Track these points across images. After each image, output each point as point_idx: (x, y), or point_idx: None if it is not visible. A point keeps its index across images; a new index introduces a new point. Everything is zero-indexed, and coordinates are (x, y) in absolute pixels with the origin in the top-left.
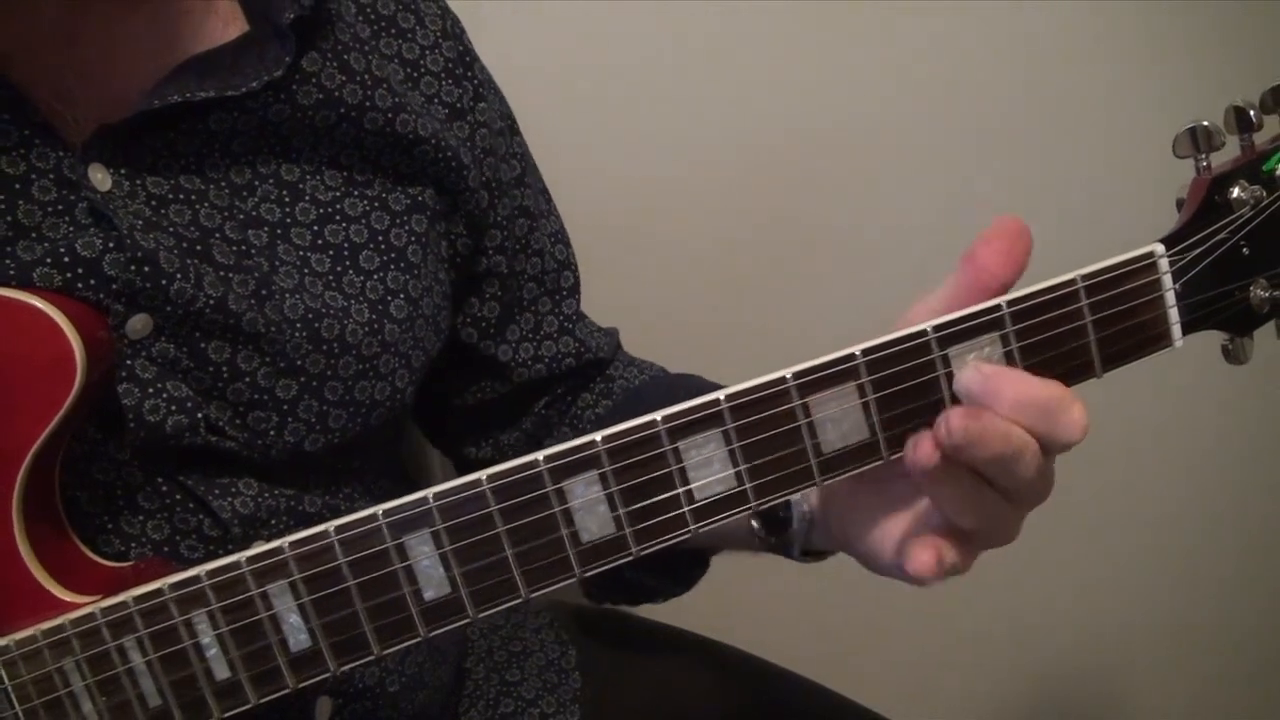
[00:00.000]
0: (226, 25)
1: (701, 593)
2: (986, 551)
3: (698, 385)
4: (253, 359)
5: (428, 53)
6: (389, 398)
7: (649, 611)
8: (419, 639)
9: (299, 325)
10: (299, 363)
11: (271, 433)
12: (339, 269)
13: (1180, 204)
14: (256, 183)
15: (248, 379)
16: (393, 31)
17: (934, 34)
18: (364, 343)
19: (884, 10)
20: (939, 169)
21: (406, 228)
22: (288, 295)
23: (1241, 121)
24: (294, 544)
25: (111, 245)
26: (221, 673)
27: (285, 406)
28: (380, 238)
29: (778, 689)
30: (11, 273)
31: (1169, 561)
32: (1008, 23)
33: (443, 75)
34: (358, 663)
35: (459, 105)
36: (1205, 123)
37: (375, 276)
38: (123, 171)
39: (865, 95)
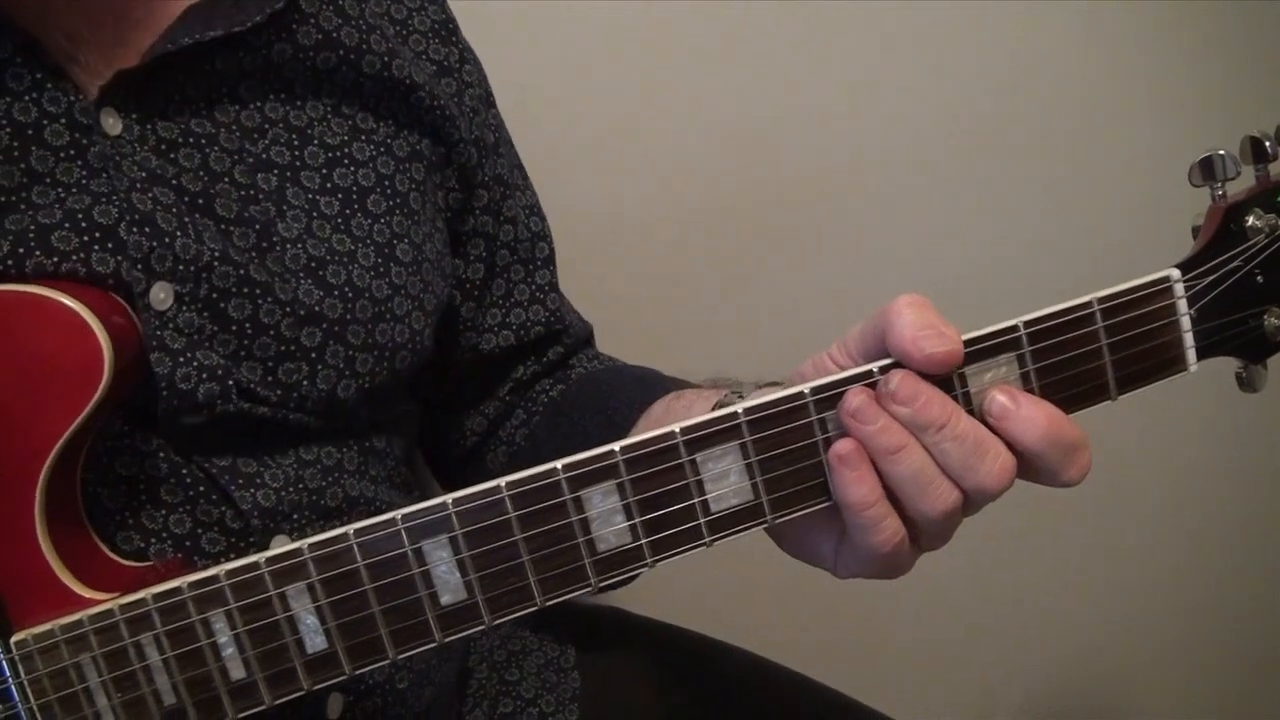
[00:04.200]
0: None
1: (701, 592)
2: (987, 555)
3: (655, 377)
4: (274, 312)
5: (414, 14)
6: (409, 340)
7: (649, 611)
8: (434, 644)
9: (302, 275)
10: (316, 308)
11: (304, 383)
12: (347, 211)
13: (1196, 231)
14: (266, 126)
15: (272, 333)
16: None
17: (948, 49)
18: (374, 285)
19: (900, 13)
20: (954, 194)
21: (408, 174)
22: (289, 245)
23: (1257, 152)
24: (313, 546)
25: (126, 208)
26: (237, 672)
27: (313, 354)
28: (386, 182)
29: (778, 688)
30: (32, 234)
31: (1171, 564)
32: (1027, 41)
33: (430, 35)
34: (372, 666)
35: (446, 63)
36: (1221, 152)
37: (382, 220)
38: (134, 116)
39: (878, 114)
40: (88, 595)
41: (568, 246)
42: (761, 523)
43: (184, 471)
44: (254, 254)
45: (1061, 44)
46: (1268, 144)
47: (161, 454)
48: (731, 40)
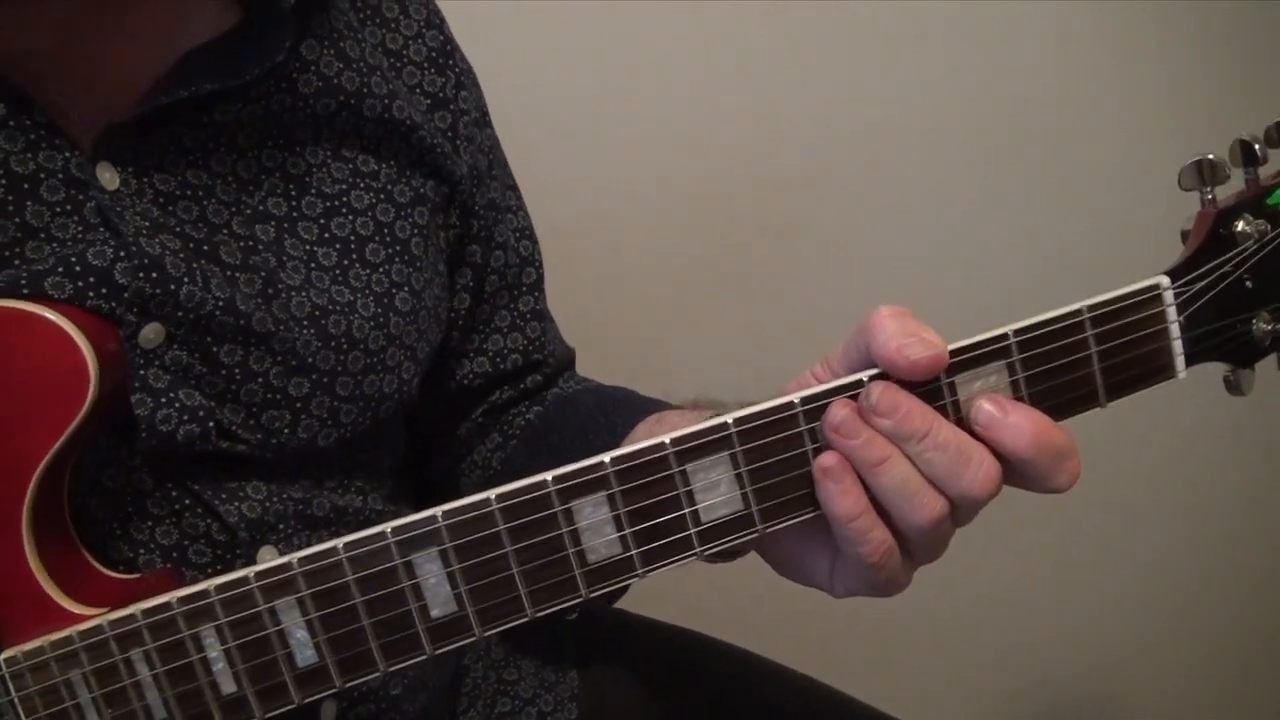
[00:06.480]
0: (224, 11)
1: (701, 592)
2: (984, 556)
3: (635, 399)
4: (264, 360)
5: (411, 42)
6: (397, 390)
7: (648, 610)
8: (425, 657)
9: (306, 323)
10: (309, 360)
11: (285, 431)
12: (345, 262)
13: (1185, 236)
14: (263, 176)
15: (260, 380)
16: (377, 20)
17: (933, 55)
18: (370, 337)
19: (884, 21)
20: (941, 203)
21: (410, 220)
22: (294, 293)
23: (1247, 155)
24: (303, 560)
25: (122, 254)
26: (228, 687)
27: (298, 404)
28: (386, 230)
29: (778, 687)
30: (24, 281)
31: (1170, 565)
32: (1014, 45)
33: (425, 65)
34: (363, 679)
35: (441, 95)
36: (1211, 156)
37: (381, 270)
38: (130, 170)
39: (864, 123)
40: (77, 610)
41: (546, 262)
42: (752, 533)
43: (168, 485)
44: (260, 300)
45: (1049, 47)
46: (1257, 147)
47: (146, 469)
48: (720, 53)
